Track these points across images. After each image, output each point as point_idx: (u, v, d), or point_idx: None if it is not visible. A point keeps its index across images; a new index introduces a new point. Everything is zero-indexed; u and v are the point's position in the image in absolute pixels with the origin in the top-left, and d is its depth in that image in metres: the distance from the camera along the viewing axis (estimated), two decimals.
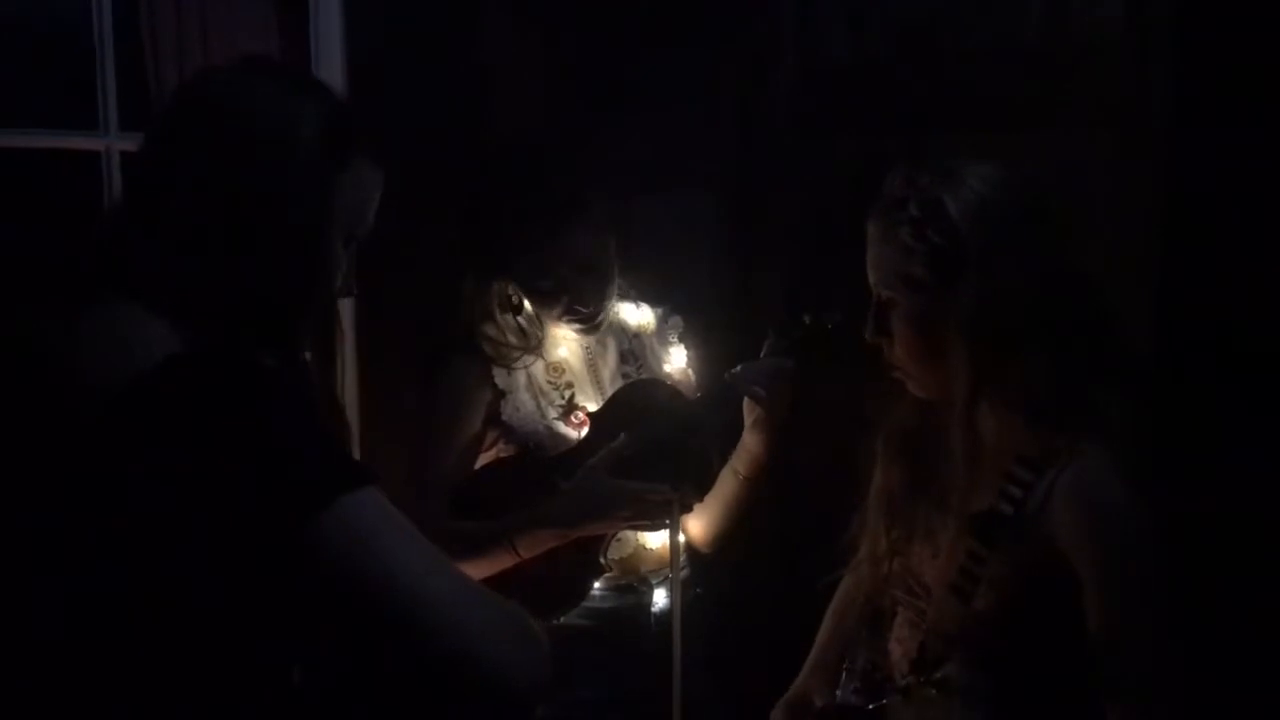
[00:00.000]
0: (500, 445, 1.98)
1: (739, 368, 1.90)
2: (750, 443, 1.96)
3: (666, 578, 2.01)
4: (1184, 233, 2.29)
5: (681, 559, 2.01)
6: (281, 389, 1.10)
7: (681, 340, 2.12)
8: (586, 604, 1.95)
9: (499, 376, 1.95)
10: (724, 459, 2.00)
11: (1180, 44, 2.28)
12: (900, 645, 1.65)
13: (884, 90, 2.60)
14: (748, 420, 1.95)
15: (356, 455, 2.52)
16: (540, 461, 1.93)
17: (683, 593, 1.98)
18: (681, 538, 1.97)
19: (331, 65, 2.55)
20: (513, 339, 1.96)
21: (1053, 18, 2.45)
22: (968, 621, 1.51)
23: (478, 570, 1.82)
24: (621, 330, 2.10)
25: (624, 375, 2.05)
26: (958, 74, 2.51)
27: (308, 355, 1.25)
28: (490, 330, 1.96)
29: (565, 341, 2.03)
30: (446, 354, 1.97)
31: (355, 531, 1.04)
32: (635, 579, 2.00)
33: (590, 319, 1.96)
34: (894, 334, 1.56)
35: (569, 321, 1.97)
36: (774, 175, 2.74)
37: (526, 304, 1.98)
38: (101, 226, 1.22)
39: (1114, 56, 2.35)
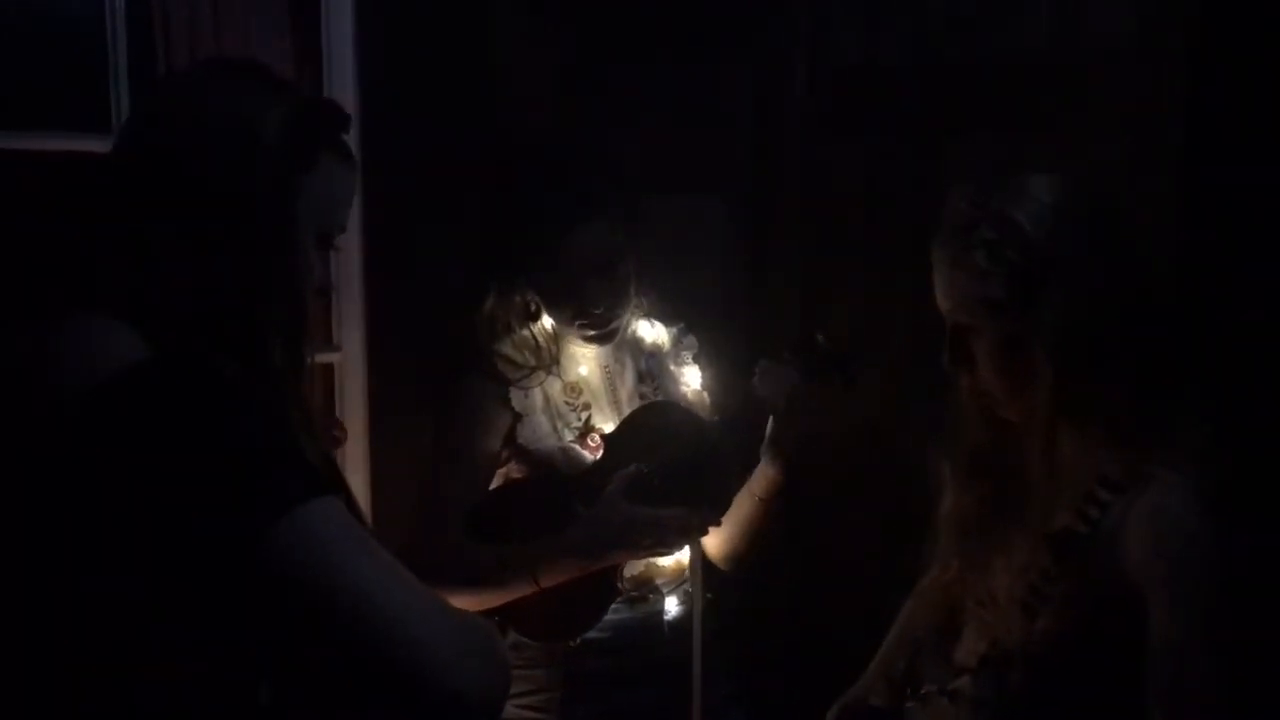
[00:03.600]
0: (513, 465, 1.96)
1: (763, 365, 1.87)
2: (767, 465, 1.94)
3: (678, 586, 2.00)
4: (1198, 241, 2.28)
5: (686, 569, 2.00)
6: (239, 397, 1.09)
7: (695, 360, 2.10)
8: None
9: (515, 399, 1.93)
10: (741, 479, 1.99)
11: (1194, 50, 2.27)
12: (965, 654, 1.65)
13: (897, 95, 2.59)
14: (765, 438, 1.93)
15: (367, 463, 2.56)
16: (556, 484, 1.92)
17: (688, 599, 1.98)
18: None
19: (344, 68, 2.54)
20: (529, 356, 1.94)
21: (1066, 23, 2.44)
22: (1031, 637, 1.51)
23: (495, 598, 1.83)
24: (638, 348, 2.08)
25: (641, 395, 2.03)
26: (971, 79, 2.50)
27: (277, 360, 1.22)
28: (506, 349, 1.94)
29: (585, 360, 2.01)
30: (462, 375, 1.96)
31: (311, 541, 1.03)
32: (647, 589, 1.99)
33: (603, 325, 1.93)
34: (976, 360, 1.53)
35: (582, 328, 1.94)
36: (787, 180, 2.74)
37: (545, 318, 1.96)
38: (70, 233, 1.21)
39: (1128, 62, 2.34)
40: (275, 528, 1.02)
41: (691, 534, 1.87)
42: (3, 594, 1.09)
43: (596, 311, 1.92)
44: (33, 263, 1.22)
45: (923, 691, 1.62)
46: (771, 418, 1.91)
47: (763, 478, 1.96)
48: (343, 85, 2.53)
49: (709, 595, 2.02)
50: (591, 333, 1.95)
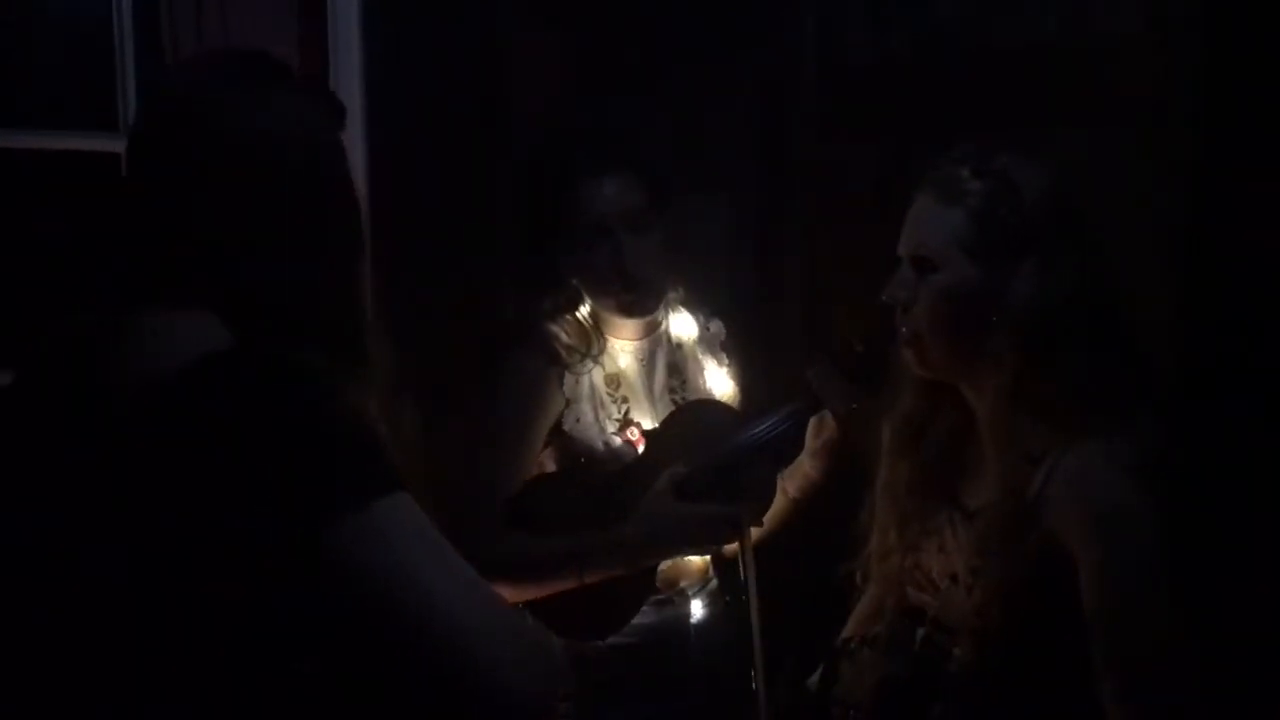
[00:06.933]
0: (548, 457, 1.94)
1: (816, 371, 1.84)
2: (809, 466, 1.93)
3: (703, 588, 2.00)
4: (1207, 233, 2.28)
5: (709, 570, 2.01)
6: (317, 387, 1.09)
7: (724, 347, 2.09)
8: None
9: (567, 383, 1.90)
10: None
11: (1204, 42, 2.27)
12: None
13: (906, 90, 2.59)
14: (811, 444, 1.92)
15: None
16: (601, 478, 1.89)
17: (712, 602, 1.99)
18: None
19: (349, 64, 2.54)
20: (580, 342, 1.92)
21: (1075, 16, 2.43)
22: (969, 613, 1.53)
23: (536, 591, 1.80)
24: (667, 341, 2.05)
25: (670, 389, 2.02)
26: (979, 74, 2.50)
27: (363, 352, 1.23)
28: (554, 328, 1.92)
29: (624, 353, 1.99)
30: (512, 350, 1.92)
31: (383, 536, 1.04)
32: (673, 592, 1.98)
33: (635, 288, 1.89)
34: (921, 301, 1.54)
35: (620, 298, 1.91)
36: (796, 178, 2.73)
37: (586, 306, 1.95)
38: (130, 228, 1.20)
39: (1137, 55, 2.34)
40: (347, 520, 1.02)
41: (743, 529, 1.85)
42: (70, 579, 1.09)
43: (630, 275, 1.88)
44: (117, 254, 1.21)
45: (851, 646, 1.67)
46: (814, 421, 1.89)
47: (801, 478, 1.95)
48: (349, 75, 2.53)
49: (726, 599, 2.01)
50: (631, 298, 1.91)
